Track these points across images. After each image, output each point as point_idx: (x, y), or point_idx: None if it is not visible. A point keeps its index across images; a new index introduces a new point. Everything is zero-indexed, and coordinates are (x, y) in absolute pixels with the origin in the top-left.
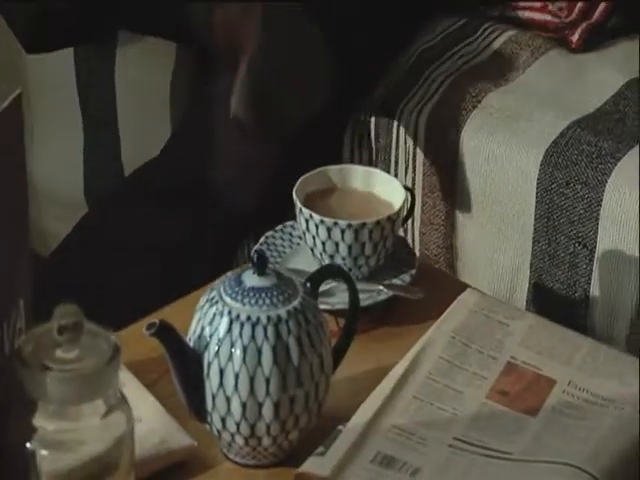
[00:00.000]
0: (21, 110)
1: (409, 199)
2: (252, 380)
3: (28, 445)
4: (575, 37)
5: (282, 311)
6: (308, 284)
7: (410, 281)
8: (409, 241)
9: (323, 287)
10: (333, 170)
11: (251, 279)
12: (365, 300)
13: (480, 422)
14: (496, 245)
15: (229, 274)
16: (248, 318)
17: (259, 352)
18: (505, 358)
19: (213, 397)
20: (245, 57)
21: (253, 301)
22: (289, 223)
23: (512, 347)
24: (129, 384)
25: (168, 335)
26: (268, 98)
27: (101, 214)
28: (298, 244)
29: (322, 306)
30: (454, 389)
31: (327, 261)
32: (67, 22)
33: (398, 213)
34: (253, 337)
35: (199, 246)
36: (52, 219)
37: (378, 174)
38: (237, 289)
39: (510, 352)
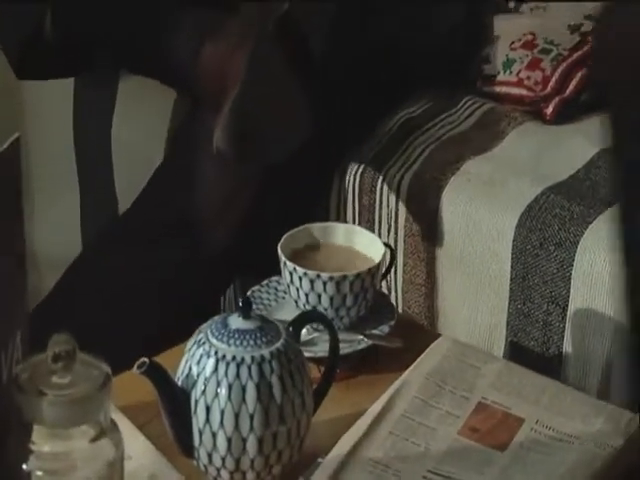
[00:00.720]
0: (19, 153)
1: (388, 255)
2: (237, 417)
3: (24, 466)
4: (549, 110)
5: (265, 352)
6: (290, 328)
7: (389, 332)
8: (392, 300)
9: (306, 337)
10: (316, 227)
11: (236, 322)
12: (345, 349)
13: (452, 456)
14: (474, 304)
15: (216, 318)
16: (233, 358)
17: (243, 390)
18: (476, 398)
19: (200, 433)
20: (231, 92)
21: (238, 342)
22: (274, 278)
23: (483, 388)
24: (121, 424)
25: (157, 374)
26: (249, 131)
27: (90, 256)
28: (283, 298)
29: (305, 354)
30: (428, 426)
31: None
32: (56, 53)
33: (378, 267)
34: (238, 376)
35: (183, 283)
36: (50, 279)
37: (359, 231)
38: (223, 331)
39: (481, 393)
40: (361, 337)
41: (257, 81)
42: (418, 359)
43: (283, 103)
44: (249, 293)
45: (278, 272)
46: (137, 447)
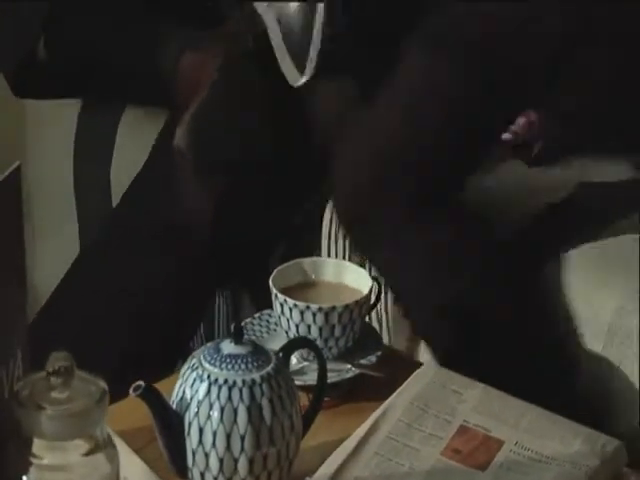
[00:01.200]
0: (20, 182)
1: (376, 287)
2: (229, 438)
3: (24, 478)
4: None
5: (256, 375)
6: (280, 354)
7: (376, 361)
8: (381, 331)
9: (296, 366)
10: (307, 262)
11: (228, 347)
12: (334, 377)
13: (435, 476)
14: None
15: (208, 344)
16: (225, 381)
17: (235, 412)
18: (458, 421)
19: (193, 454)
20: (198, 96)
21: (230, 366)
22: (266, 311)
23: (465, 412)
24: (119, 448)
25: (152, 396)
26: (207, 131)
27: (77, 268)
28: (275, 330)
29: (296, 382)
30: (412, 447)
31: None
32: (50, 74)
33: (366, 299)
34: (230, 399)
35: (165, 293)
36: None
37: (348, 266)
38: (216, 356)
39: (463, 416)
40: (349, 366)
41: (224, 89)
42: (403, 384)
43: (245, 118)
44: (242, 324)
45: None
46: (134, 470)
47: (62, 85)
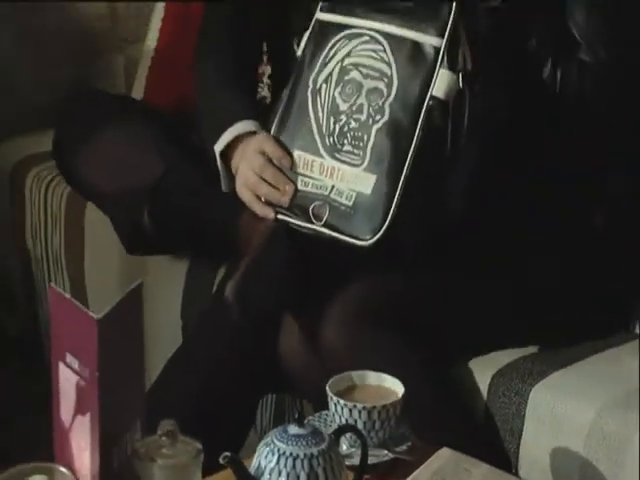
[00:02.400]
0: (141, 295)
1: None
2: None
3: None
4: None
5: (314, 450)
6: (332, 435)
7: (407, 449)
8: None
9: (346, 451)
10: (355, 374)
11: (294, 429)
12: (373, 460)
13: None
14: None
15: (279, 427)
16: (290, 454)
17: (297, 478)
18: None
19: None
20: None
21: (294, 443)
22: (324, 412)
23: None
24: None
25: (236, 464)
26: (252, 289)
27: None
28: (330, 425)
29: (346, 463)
30: None
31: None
32: (155, 237)
33: (399, 401)
34: (294, 467)
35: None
36: None
37: (386, 376)
38: (284, 435)
39: None
40: (385, 452)
41: (269, 254)
42: (426, 462)
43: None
44: (305, 421)
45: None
46: None
47: (164, 243)
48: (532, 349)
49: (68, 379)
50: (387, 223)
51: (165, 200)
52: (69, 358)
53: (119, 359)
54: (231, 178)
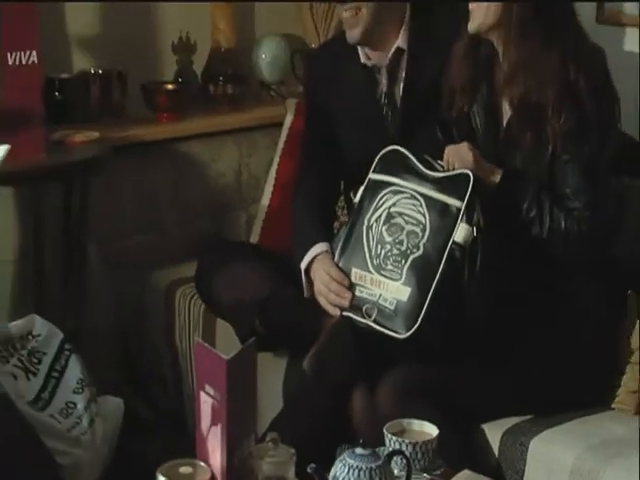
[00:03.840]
0: (255, 351)
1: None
2: None
3: None
4: None
5: (373, 465)
6: (386, 457)
7: (440, 473)
8: None
9: (397, 474)
10: (403, 420)
11: (359, 451)
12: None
13: None
14: None
15: (350, 450)
16: (356, 467)
17: None
18: None
19: None
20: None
21: (359, 460)
22: (382, 448)
23: None
24: None
25: (319, 473)
26: (322, 363)
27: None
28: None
29: None
30: None
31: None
32: (264, 335)
33: (435, 439)
34: (358, 476)
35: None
36: None
37: (424, 422)
38: (352, 455)
39: None
40: (424, 474)
41: (332, 341)
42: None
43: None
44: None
45: None
46: None
47: (271, 342)
48: (530, 416)
49: (206, 402)
50: (418, 324)
51: (271, 311)
52: (207, 387)
53: (240, 389)
54: (311, 286)
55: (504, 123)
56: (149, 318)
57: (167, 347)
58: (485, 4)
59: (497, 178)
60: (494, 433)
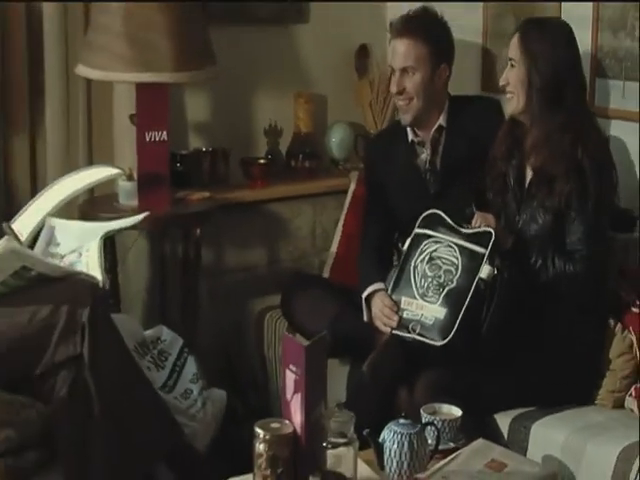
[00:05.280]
0: (325, 341)
1: None
2: None
3: None
4: None
5: (412, 431)
6: (421, 426)
7: (461, 443)
8: None
9: (429, 443)
10: (435, 405)
11: (402, 421)
12: (442, 447)
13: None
14: None
15: (395, 420)
16: (399, 432)
17: (402, 445)
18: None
19: None
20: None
21: (401, 427)
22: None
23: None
24: None
25: (373, 437)
26: (379, 369)
27: None
28: None
29: None
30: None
31: None
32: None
33: (459, 418)
34: (400, 439)
35: None
36: None
37: (451, 406)
38: (397, 423)
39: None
40: (450, 443)
41: (386, 352)
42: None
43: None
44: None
45: None
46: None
47: (338, 350)
48: (532, 407)
49: (290, 377)
50: (451, 335)
51: (338, 328)
52: (291, 366)
53: (314, 368)
54: (369, 312)
55: (527, 183)
56: (245, 336)
57: (258, 357)
58: (516, 94)
59: (509, 242)
60: (504, 420)
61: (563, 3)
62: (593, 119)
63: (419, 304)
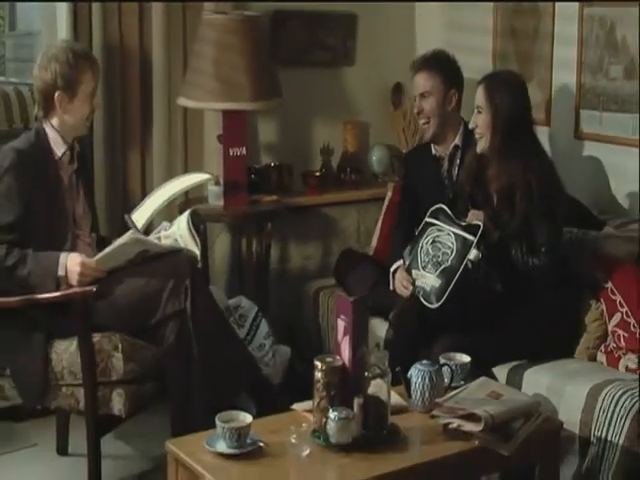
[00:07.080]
0: (365, 299)
1: None
2: None
3: None
4: None
5: (434, 374)
6: (439, 365)
7: (470, 381)
8: None
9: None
10: (451, 354)
11: (425, 362)
12: (454, 384)
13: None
14: None
15: (420, 361)
16: (424, 370)
17: (424, 378)
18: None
19: None
20: (400, 306)
21: (425, 369)
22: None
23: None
24: None
25: (403, 373)
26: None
27: None
28: None
29: None
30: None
31: None
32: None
33: (469, 363)
34: (423, 377)
35: None
36: None
37: (463, 354)
38: (422, 363)
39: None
40: (462, 382)
41: (403, 315)
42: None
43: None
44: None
45: None
46: None
47: (374, 311)
48: (524, 360)
49: (340, 324)
50: (443, 300)
51: (375, 292)
52: (342, 316)
53: (358, 318)
54: (393, 282)
55: (494, 203)
56: (303, 309)
57: (314, 326)
58: (484, 135)
59: (496, 237)
60: (502, 371)
61: (554, 48)
62: (540, 148)
63: (421, 274)
